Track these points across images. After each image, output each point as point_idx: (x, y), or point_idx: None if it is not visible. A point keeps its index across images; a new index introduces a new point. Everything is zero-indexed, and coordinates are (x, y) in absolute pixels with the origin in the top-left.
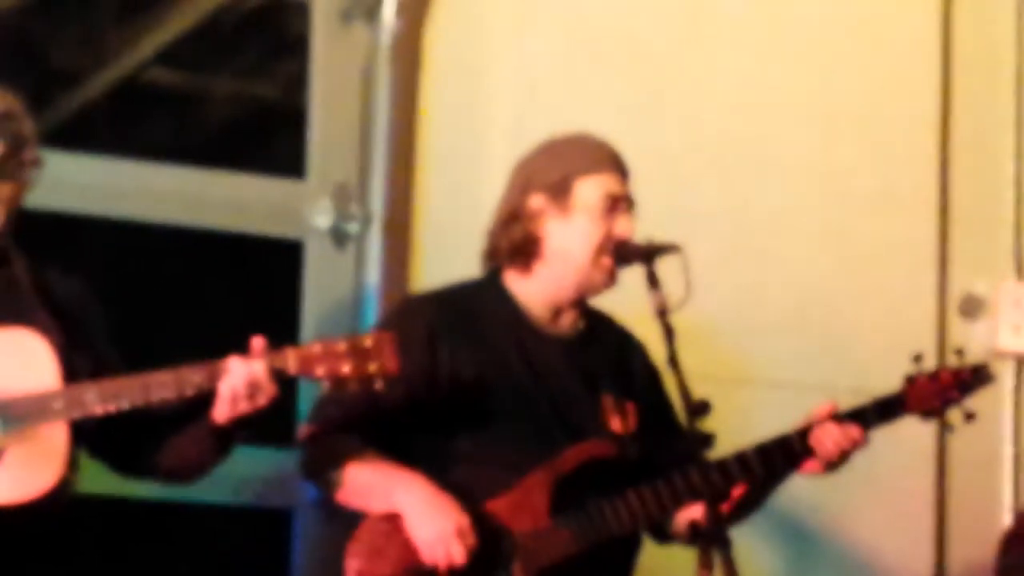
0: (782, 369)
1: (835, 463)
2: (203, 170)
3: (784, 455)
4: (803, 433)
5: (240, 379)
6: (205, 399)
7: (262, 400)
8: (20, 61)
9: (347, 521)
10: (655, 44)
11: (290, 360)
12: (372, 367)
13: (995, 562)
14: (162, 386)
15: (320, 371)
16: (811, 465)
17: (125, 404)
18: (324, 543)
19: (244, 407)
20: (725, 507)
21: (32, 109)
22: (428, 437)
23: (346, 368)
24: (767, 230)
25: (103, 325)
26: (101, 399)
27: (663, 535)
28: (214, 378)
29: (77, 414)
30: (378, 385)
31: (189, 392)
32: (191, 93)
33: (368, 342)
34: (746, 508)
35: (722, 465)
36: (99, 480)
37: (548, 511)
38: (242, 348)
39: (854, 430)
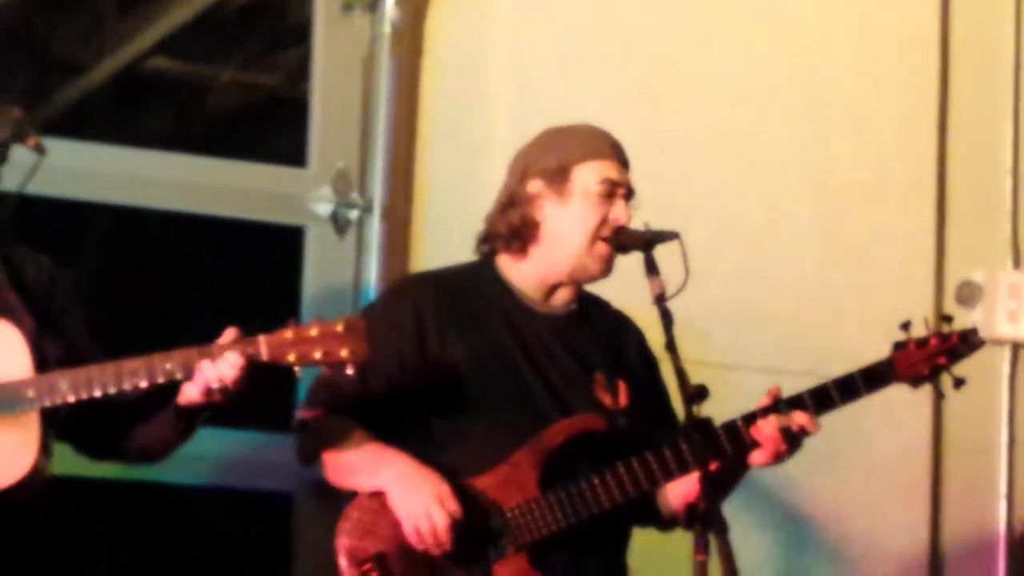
0: (778, 356)
1: (783, 455)
2: (205, 158)
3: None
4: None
5: (215, 372)
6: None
7: (234, 390)
8: (23, 50)
9: (342, 502)
10: (652, 35)
11: (262, 347)
12: (343, 352)
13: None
14: (133, 374)
15: (292, 357)
16: (757, 457)
17: (97, 392)
18: (320, 524)
19: (217, 398)
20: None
21: (35, 98)
22: (420, 417)
23: (317, 354)
24: (764, 219)
25: (73, 300)
26: (73, 387)
27: (662, 522)
28: (186, 366)
29: (50, 402)
30: (349, 370)
31: (161, 380)
32: (193, 82)
33: (339, 327)
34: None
35: (711, 435)
36: (100, 464)
37: (537, 485)
38: (242, 333)
39: (800, 417)
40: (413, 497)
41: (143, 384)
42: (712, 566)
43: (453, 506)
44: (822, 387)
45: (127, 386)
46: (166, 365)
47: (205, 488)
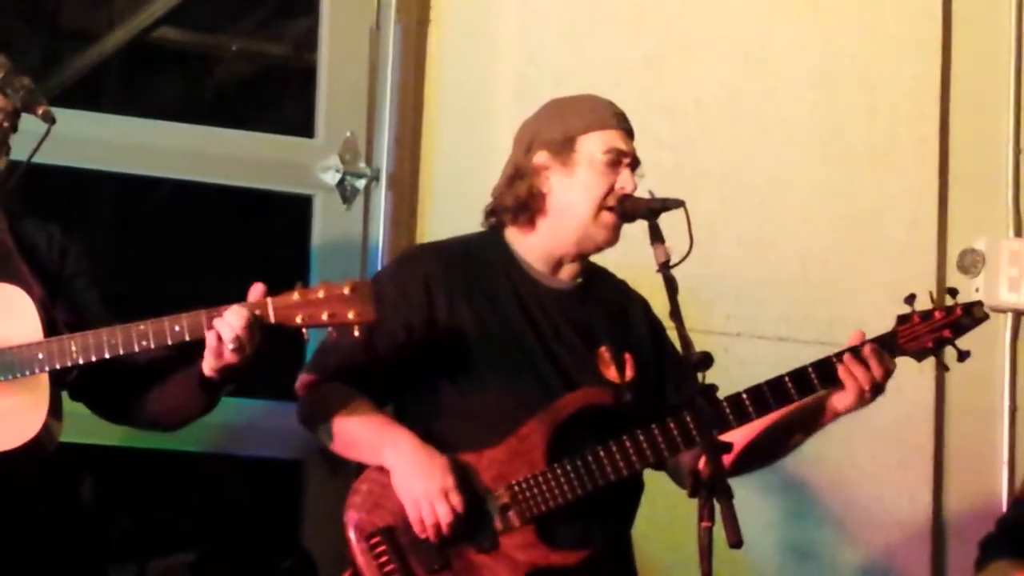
0: (783, 324)
1: (866, 393)
2: (213, 128)
3: (776, 395)
4: (797, 373)
5: (230, 332)
6: (194, 349)
7: (247, 351)
8: (33, 21)
9: (352, 471)
10: (660, 2)
11: (269, 309)
12: (350, 314)
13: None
14: (143, 336)
15: (299, 319)
16: (842, 400)
17: (107, 354)
18: (331, 493)
19: (230, 358)
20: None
21: (45, 68)
22: (426, 387)
23: (324, 315)
24: (769, 188)
25: (83, 268)
26: (83, 349)
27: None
28: (195, 329)
29: (59, 365)
30: (356, 332)
31: (169, 342)
32: (202, 52)
33: (346, 290)
34: (764, 453)
35: (717, 407)
36: (113, 431)
37: (544, 459)
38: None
39: (884, 358)
40: (418, 484)
41: (152, 346)
42: (716, 532)
43: (456, 499)
44: (825, 360)
45: (136, 348)
46: (175, 327)
47: (217, 455)
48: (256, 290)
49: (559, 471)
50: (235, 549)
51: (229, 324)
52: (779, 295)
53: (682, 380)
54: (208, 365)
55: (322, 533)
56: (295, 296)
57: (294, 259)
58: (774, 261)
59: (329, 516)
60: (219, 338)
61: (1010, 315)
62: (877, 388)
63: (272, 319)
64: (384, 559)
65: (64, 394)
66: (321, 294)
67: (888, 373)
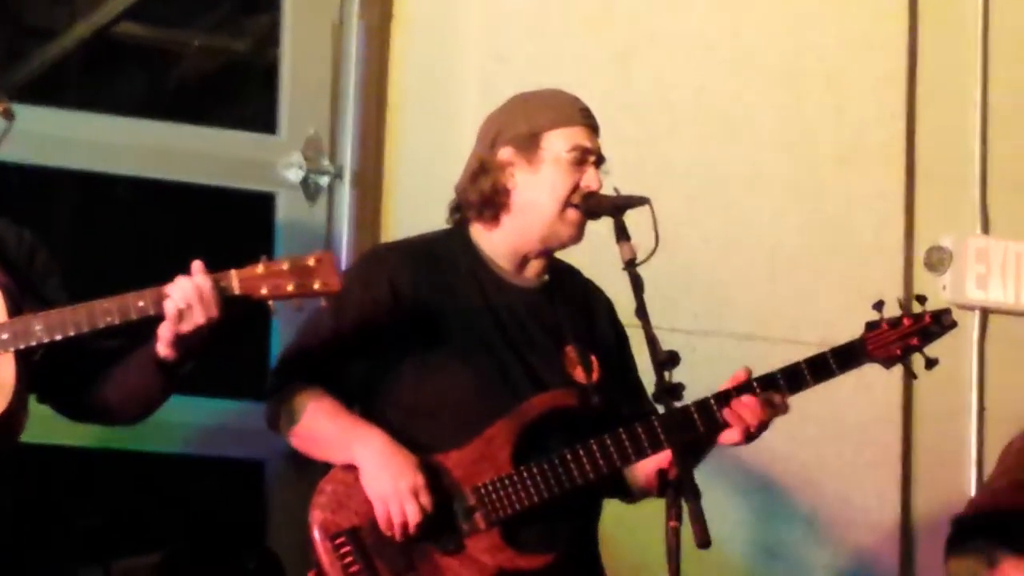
0: (750, 322)
1: (754, 435)
2: (176, 124)
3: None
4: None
5: (182, 293)
6: (150, 338)
7: (203, 318)
8: None
9: (315, 471)
10: (626, 0)
11: (234, 280)
12: (316, 284)
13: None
14: (106, 312)
15: (264, 290)
16: (728, 436)
17: (71, 331)
18: (294, 493)
19: (188, 325)
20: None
21: (5, 64)
22: (391, 385)
23: (290, 286)
24: (736, 186)
25: (52, 268)
26: (47, 329)
27: (629, 495)
28: (159, 303)
29: (24, 344)
30: (322, 303)
31: (134, 316)
32: (164, 47)
33: (310, 261)
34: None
35: (684, 412)
36: (78, 431)
37: (510, 461)
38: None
39: (775, 398)
40: (387, 483)
41: (117, 321)
42: (684, 532)
43: (426, 499)
44: (794, 367)
45: (101, 324)
46: (139, 303)
47: (181, 456)
48: (196, 267)
49: (525, 474)
50: (200, 549)
51: (180, 287)
52: (746, 293)
53: (640, 390)
54: (165, 339)
55: (287, 533)
56: (259, 268)
57: (257, 257)
58: (741, 259)
59: (294, 516)
60: (176, 304)
61: (977, 312)
62: (763, 427)
63: (236, 291)
64: (349, 560)
65: (31, 397)
66: (286, 266)
67: (777, 414)
